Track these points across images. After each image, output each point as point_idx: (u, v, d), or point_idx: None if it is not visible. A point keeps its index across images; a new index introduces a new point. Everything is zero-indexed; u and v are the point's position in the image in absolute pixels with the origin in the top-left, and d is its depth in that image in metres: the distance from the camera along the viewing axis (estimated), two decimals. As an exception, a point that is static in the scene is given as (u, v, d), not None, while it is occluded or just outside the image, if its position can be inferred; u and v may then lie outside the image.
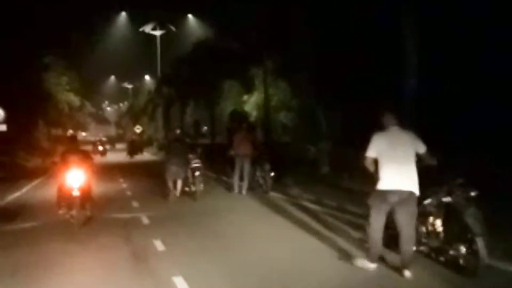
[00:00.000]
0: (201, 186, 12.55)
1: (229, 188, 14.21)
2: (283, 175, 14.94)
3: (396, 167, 5.87)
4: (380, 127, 6.12)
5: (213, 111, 29.15)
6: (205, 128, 39.80)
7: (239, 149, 13.30)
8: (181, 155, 12.65)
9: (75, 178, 9.44)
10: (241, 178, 13.39)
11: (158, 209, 11.61)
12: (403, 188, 5.85)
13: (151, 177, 17.88)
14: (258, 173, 13.68)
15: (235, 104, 28.63)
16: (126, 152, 39.87)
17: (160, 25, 46.97)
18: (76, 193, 9.38)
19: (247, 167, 13.28)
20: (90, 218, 10.09)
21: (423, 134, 6.27)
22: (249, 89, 26.68)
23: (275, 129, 25.01)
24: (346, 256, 6.82)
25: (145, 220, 10.26)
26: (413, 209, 5.95)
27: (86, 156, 10.17)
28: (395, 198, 5.87)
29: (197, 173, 12.52)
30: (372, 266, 6.17)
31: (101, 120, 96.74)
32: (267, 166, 13.33)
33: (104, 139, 53.42)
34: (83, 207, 9.76)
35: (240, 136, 13.56)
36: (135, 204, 12.63)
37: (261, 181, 13.57)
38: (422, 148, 6.05)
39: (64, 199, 9.63)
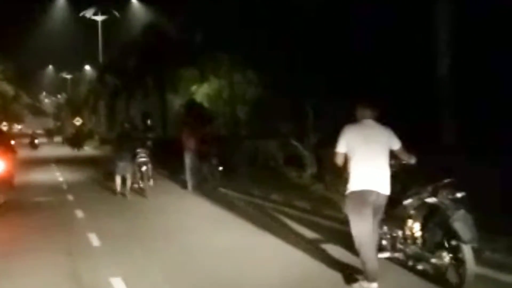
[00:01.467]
0: (150, 182, 12.38)
1: (180, 185, 13.90)
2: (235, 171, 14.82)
3: (370, 166, 5.33)
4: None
5: (164, 102, 27.26)
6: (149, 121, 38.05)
7: (187, 144, 13.10)
8: (130, 150, 12.39)
9: None
10: (192, 174, 13.25)
11: (98, 206, 11.37)
12: (380, 190, 5.34)
13: (92, 173, 17.70)
14: (205, 169, 13.51)
15: (184, 95, 27.39)
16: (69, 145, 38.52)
17: (102, 10, 44.47)
18: None
19: (194, 162, 13.12)
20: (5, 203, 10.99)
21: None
22: (199, 80, 25.57)
23: (228, 123, 23.89)
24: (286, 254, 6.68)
25: (80, 214, 10.29)
26: (382, 213, 5.55)
27: (7, 147, 11.23)
28: (373, 198, 5.32)
29: (144, 168, 12.27)
30: (374, 286, 5.26)
31: (39, 112, 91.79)
32: (215, 161, 13.20)
33: (38, 131, 50.56)
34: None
35: (188, 130, 13.40)
36: (73, 203, 12.08)
37: (209, 176, 13.40)
38: (397, 145, 5.53)
39: None
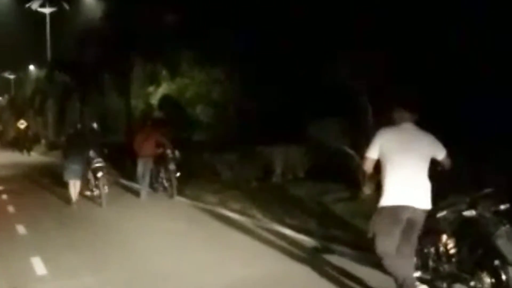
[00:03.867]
0: (105, 189, 11.42)
1: (134, 193, 13.12)
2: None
3: (407, 177, 4.83)
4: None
5: (128, 101, 24.10)
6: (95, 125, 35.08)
7: (141, 149, 12.34)
8: (81, 153, 11.48)
9: None
10: (145, 181, 12.50)
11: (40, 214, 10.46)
12: (417, 204, 4.84)
13: (38, 182, 16.47)
14: (162, 174, 12.79)
15: (138, 96, 25.33)
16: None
17: (50, 1, 40.58)
18: None
19: (148, 169, 12.45)
20: None
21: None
22: (154, 80, 23.64)
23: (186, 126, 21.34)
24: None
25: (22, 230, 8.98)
26: (419, 229, 4.99)
27: None
28: (407, 214, 4.83)
29: (99, 174, 11.37)
30: None
31: None
32: (172, 166, 12.32)
33: None
34: None
35: (143, 135, 12.60)
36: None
37: (165, 183, 12.64)
38: (442, 153, 5.03)
39: None
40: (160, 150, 12.57)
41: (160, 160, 12.59)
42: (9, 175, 19.82)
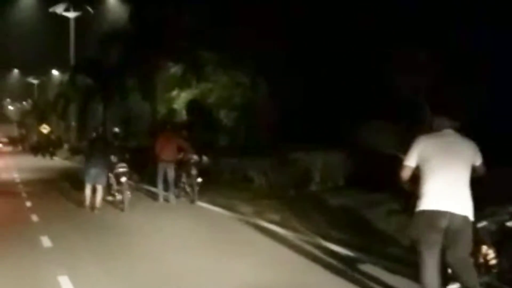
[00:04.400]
0: (128, 194, 11.22)
1: (153, 197, 13.07)
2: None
3: (447, 182, 4.62)
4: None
5: (153, 104, 23.43)
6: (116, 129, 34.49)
7: (162, 154, 12.23)
8: (103, 157, 11.34)
9: None
10: (166, 186, 12.41)
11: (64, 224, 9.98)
12: (455, 210, 4.57)
13: (61, 187, 16.04)
14: (184, 179, 12.60)
15: (161, 101, 24.70)
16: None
17: (74, 5, 40.37)
18: None
19: (171, 173, 12.24)
20: None
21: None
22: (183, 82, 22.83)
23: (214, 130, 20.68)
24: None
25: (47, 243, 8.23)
26: (469, 239, 4.63)
27: None
28: (445, 222, 4.55)
29: (123, 179, 11.19)
30: None
31: (2, 119, 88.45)
32: (194, 171, 12.11)
33: (3, 139, 46.46)
34: None
35: (163, 139, 12.49)
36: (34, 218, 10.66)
37: (187, 188, 12.43)
38: (479, 160, 4.83)
39: None
40: (181, 155, 12.40)
41: (181, 165, 12.41)
42: (33, 180, 19.54)
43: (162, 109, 25.29)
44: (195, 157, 12.23)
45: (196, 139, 15.65)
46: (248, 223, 9.48)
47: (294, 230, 8.55)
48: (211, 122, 18.86)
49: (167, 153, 12.17)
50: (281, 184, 11.88)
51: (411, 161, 4.80)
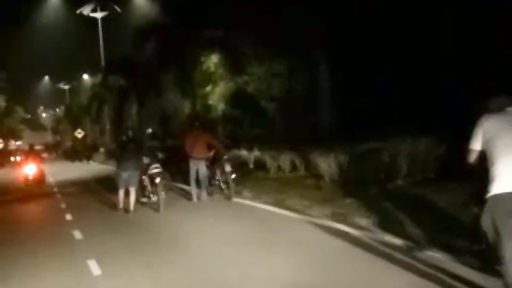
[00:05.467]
0: (162, 195, 10.99)
1: (187, 196, 12.74)
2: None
3: None
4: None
5: (193, 99, 21.97)
6: (149, 130, 33.71)
7: (192, 151, 12.05)
8: (134, 159, 11.18)
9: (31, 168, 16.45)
10: (199, 184, 12.18)
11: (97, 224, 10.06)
12: None
13: (96, 191, 15.81)
14: (218, 177, 12.41)
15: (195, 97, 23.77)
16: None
17: (101, 5, 39.32)
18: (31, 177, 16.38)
19: (202, 171, 12.09)
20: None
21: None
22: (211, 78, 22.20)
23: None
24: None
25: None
26: None
27: (37, 157, 17.53)
28: None
29: (157, 180, 11.01)
30: None
31: (37, 126, 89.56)
32: (228, 168, 11.87)
33: (38, 147, 45.88)
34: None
35: (192, 137, 12.28)
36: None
37: (222, 185, 12.25)
38: None
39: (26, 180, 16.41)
40: (212, 152, 12.32)
41: (215, 162, 12.32)
42: (69, 184, 19.72)
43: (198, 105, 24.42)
44: (225, 157, 12.12)
45: (242, 133, 14.61)
46: (329, 229, 7.82)
47: (394, 237, 6.85)
48: (260, 114, 17.27)
49: (197, 150, 12.02)
50: (358, 178, 10.08)
51: (476, 144, 4.55)
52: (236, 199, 11.48)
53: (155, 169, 11.16)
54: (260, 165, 15.47)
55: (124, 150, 11.32)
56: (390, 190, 9.50)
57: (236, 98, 18.11)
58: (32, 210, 13.85)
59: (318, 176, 11.70)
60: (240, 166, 16.63)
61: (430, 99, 10.86)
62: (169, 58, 21.23)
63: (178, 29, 19.96)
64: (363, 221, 7.88)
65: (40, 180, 16.40)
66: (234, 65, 20.37)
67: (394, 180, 9.96)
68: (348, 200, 9.14)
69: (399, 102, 11.66)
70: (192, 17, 20.43)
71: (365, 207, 8.50)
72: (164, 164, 12.17)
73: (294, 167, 13.68)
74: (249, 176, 14.55)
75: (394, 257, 6.03)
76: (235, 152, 19.78)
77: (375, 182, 9.95)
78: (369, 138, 10.71)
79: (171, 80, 24.38)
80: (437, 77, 11.43)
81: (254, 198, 11.48)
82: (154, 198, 11.16)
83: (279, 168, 14.02)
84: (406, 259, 5.90)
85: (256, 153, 15.78)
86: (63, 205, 13.18)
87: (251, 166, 16.24)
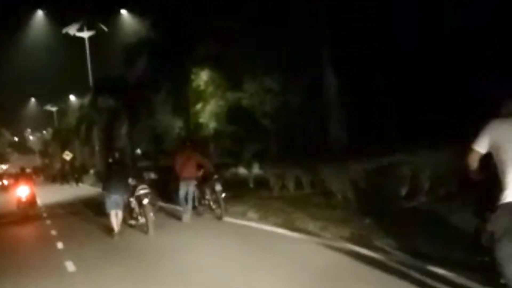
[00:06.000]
0: (151, 217, 10.79)
1: (177, 215, 12.62)
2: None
3: None
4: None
5: (188, 117, 21.18)
6: (138, 150, 33.07)
7: (182, 171, 12.07)
8: (121, 181, 11.15)
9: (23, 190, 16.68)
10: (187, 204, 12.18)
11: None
12: None
13: (85, 214, 15.69)
14: (208, 196, 12.40)
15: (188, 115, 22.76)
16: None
17: (88, 25, 38.56)
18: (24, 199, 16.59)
19: (191, 190, 12.15)
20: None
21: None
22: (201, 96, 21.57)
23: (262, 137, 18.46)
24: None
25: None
26: None
27: (29, 179, 17.91)
28: None
29: (145, 201, 10.82)
30: None
31: (25, 150, 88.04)
32: (219, 187, 11.83)
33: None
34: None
35: (183, 157, 12.24)
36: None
37: (213, 205, 12.20)
38: None
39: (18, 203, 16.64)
40: (201, 172, 12.28)
41: (204, 182, 12.28)
42: (57, 207, 19.87)
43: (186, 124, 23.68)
44: (215, 176, 12.04)
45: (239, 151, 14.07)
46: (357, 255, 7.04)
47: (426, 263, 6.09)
48: (257, 130, 16.47)
49: (187, 170, 11.98)
50: (376, 196, 9.30)
51: (480, 146, 4.49)
52: (242, 222, 10.88)
53: (142, 190, 11.00)
54: (261, 183, 14.71)
55: (111, 173, 11.28)
56: (413, 208, 8.75)
57: (232, 114, 17.34)
58: (24, 235, 13.79)
59: (328, 194, 10.91)
60: (239, 185, 15.86)
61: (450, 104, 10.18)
62: (161, 74, 20.49)
63: (170, 45, 19.24)
64: (388, 243, 7.13)
65: (32, 202, 16.72)
66: (229, 81, 19.71)
67: (416, 197, 9.20)
68: (367, 220, 8.37)
69: (417, 109, 10.96)
70: (183, 34, 19.83)
71: (387, 227, 7.74)
72: (156, 185, 12.16)
73: (298, 185, 12.89)
74: (251, 196, 13.80)
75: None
76: (232, 170, 19.06)
77: (395, 199, 9.18)
78: (385, 151, 10.01)
79: (163, 98, 23.72)
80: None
81: (261, 219, 10.72)
82: (142, 220, 10.97)
83: (282, 186, 13.21)
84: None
85: (256, 170, 15.01)
86: (54, 232, 12.80)
87: (251, 185, 15.48)
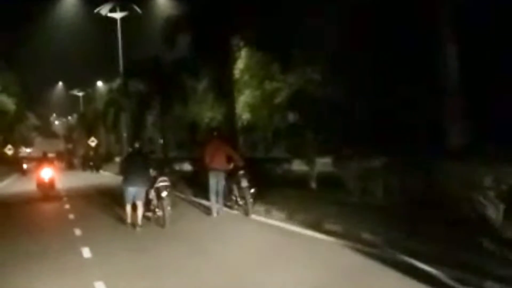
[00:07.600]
0: (169, 210, 10.68)
1: (206, 211, 12.41)
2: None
3: None
4: None
5: (231, 104, 18.94)
6: (161, 140, 31.56)
7: (212, 162, 11.78)
8: (141, 172, 10.87)
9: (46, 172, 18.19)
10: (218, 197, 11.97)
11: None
12: None
13: (106, 204, 14.93)
14: (235, 192, 11.98)
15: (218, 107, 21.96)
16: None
17: (120, 5, 36.65)
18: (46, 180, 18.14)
19: (221, 183, 11.92)
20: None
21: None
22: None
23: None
24: None
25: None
26: None
27: (52, 163, 19.75)
28: None
29: (164, 194, 10.72)
30: None
31: (49, 134, 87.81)
32: (245, 183, 11.44)
33: (50, 155, 43.55)
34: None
35: (212, 147, 11.97)
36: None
37: (240, 200, 11.79)
38: None
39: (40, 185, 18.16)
40: (231, 165, 11.99)
41: (232, 176, 11.96)
42: (77, 192, 20.42)
43: (217, 115, 22.46)
44: (240, 172, 11.62)
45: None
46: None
47: None
48: (322, 118, 14.03)
49: (217, 161, 11.79)
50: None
51: None
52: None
53: (162, 182, 10.93)
54: (327, 183, 12.36)
55: (130, 164, 11.14)
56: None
57: (294, 102, 15.00)
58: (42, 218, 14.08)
59: (441, 207, 7.93)
60: (294, 185, 13.61)
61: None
62: (205, 55, 18.39)
63: (214, 23, 17.11)
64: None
65: (52, 184, 18.40)
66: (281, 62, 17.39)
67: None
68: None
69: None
70: (223, 15, 17.67)
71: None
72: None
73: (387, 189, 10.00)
74: (313, 200, 11.37)
75: None
76: (285, 166, 16.98)
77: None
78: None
79: (203, 85, 21.79)
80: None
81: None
82: (159, 213, 10.91)
83: (364, 190, 10.43)
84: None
85: (319, 166, 12.72)
86: (71, 216, 13.25)
87: (313, 185, 13.16)
